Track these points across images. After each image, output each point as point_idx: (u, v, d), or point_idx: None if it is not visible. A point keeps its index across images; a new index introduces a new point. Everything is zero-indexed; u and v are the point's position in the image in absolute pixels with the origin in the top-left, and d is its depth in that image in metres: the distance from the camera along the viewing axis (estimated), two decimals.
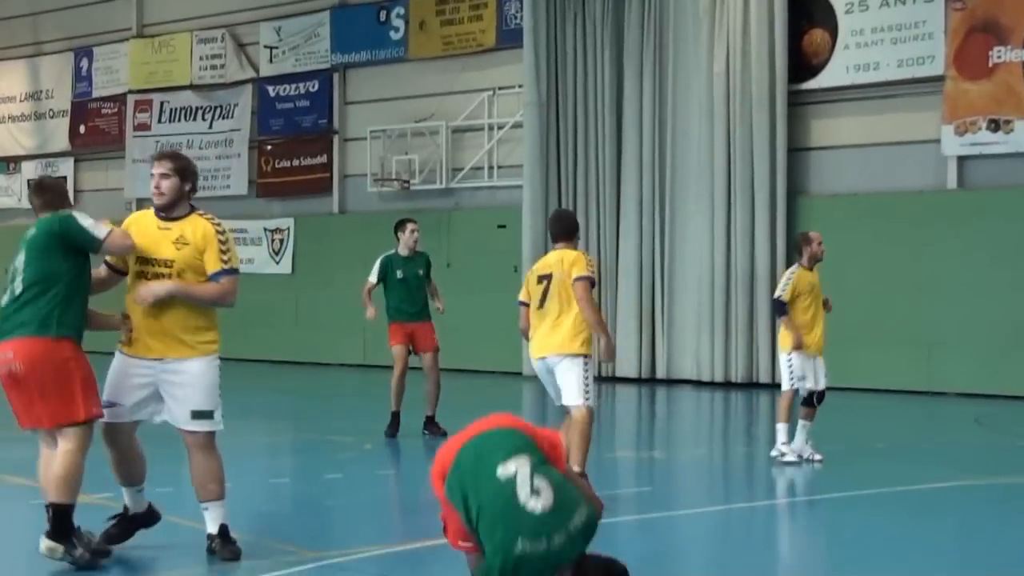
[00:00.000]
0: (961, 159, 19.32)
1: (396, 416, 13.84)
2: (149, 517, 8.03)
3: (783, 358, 12.33)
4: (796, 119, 20.66)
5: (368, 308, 13.93)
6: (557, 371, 9.85)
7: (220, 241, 7.60)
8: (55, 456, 7.39)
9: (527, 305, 10.11)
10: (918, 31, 19.58)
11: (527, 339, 10.22)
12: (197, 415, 7.63)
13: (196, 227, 7.62)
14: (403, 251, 13.95)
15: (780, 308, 12.25)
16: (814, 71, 20.55)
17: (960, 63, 19.18)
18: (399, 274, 13.90)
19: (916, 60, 19.61)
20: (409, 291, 13.89)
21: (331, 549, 8.06)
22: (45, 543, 7.31)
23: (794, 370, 12.24)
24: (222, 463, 7.75)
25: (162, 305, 7.56)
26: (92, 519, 9.02)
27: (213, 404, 7.68)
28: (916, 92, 19.68)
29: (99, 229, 7.49)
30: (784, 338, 12.29)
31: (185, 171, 7.73)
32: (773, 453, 12.32)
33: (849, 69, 20.20)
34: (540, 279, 10.03)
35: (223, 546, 7.61)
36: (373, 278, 13.93)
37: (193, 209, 7.74)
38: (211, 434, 7.71)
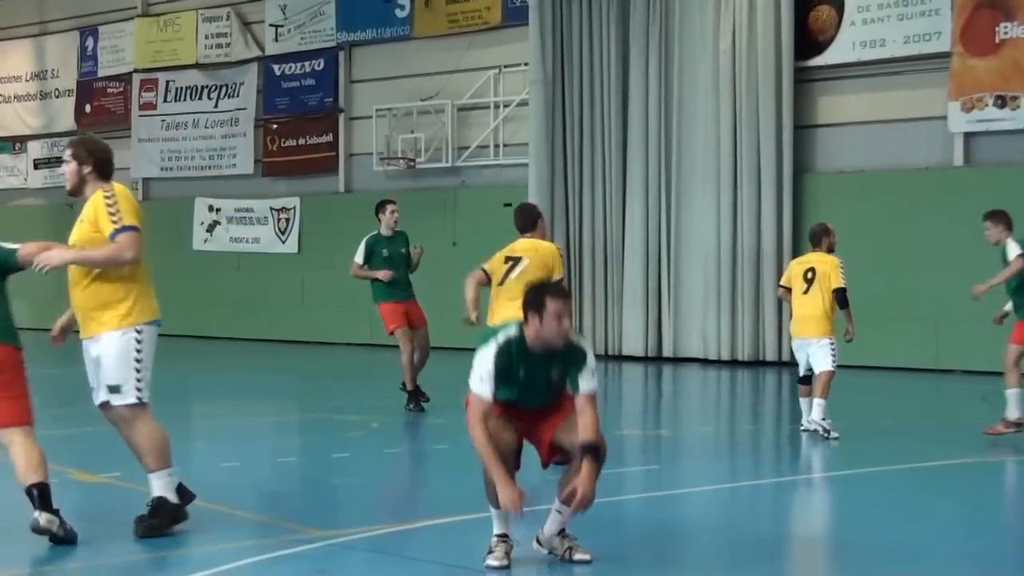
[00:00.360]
0: (968, 136, 19.29)
1: (415, 392, 14.17)
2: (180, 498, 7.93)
3: (828, 344, 12.45)
4: (802, 96, 20.62)
5: (378, 273, 14.15)
6: None
7: (108, 204, 7.59)
8: (19, 450, 7.40)
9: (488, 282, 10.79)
10: (924, 7, 19.53)
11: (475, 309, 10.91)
12: (111, 389, 7.67)
13: (90, 203, 7.70)
14: (385, 231, 14.50)
15: (847, 298, 12.45)
16: (820, 48, 20.50)
17: (967, 39, 19.13)
18: (385, 253, 14.32)
19: (923, 36, 19.56)
20: (396, 269, 14.30)
21: (338, 528, 8.09)
22: (44, 516, 7.34)
23: (836, 353, 12.50)
24: (156, 434, 7.71)
25: (74, 284, 7.67)
26: (97, 498, 9.06)
27: (121, 378, 7.62)
28: (922, 69, 19.64)
29: (11, 245, 7.64)
30: (827, 326, 12.46)
31: (80, 155, 7.81)
32: (813, 427, 12.37)
33: (855, 46, 20.15)
34: (507, 259, 10.60)
35: (138, 520, 7.65)
36: (359, 259, 14.38)
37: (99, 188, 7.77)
38: (131, 407, 7.67)
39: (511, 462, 6.84)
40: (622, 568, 7.16)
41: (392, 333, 14.28)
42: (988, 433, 12.35)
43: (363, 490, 9.93)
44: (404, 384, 14.19)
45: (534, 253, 10.54)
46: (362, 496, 9.70)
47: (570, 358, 6.86)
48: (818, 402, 12.35)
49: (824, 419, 12.30)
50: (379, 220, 14.47)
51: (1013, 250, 12.20)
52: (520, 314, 9.17)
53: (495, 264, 10.70)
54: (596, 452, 6.73)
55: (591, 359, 6.92)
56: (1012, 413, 12.27)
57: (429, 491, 10.23)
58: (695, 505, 9.53)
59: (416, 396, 14.15)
